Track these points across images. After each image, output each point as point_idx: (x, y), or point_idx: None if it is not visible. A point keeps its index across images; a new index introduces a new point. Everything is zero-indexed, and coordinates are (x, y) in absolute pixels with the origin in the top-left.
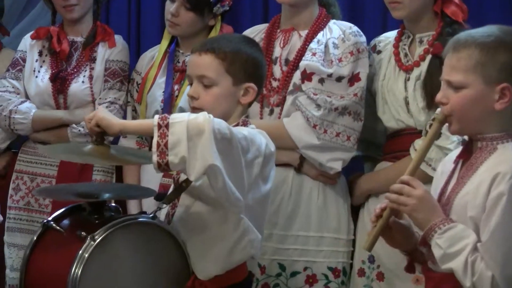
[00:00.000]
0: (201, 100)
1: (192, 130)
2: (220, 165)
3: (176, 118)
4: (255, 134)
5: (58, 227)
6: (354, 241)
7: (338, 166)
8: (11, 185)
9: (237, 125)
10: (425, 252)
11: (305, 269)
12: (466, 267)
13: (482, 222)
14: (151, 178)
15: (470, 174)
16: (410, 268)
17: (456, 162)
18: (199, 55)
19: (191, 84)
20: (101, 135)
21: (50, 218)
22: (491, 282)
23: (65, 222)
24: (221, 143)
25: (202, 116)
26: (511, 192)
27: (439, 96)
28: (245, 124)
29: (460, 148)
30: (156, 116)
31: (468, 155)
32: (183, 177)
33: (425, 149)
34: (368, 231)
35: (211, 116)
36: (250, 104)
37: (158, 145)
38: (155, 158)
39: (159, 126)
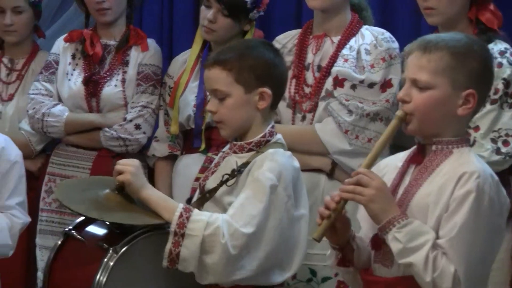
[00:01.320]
0: (219, 114)
1: (206, 247)
2: (233, 278)
3: (194, 229)
4: (274, 186)
5: (79, 236)
6: None
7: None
8: (44, 188)
9: (263, 136)
10: (372, 255)
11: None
12: (427, 262)
13: (444, 219)
14: (183, 181)
15: (426, 176)
16: (342, 262)
17: (406, 165)
18: (208, 69)
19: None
20: (122, 186)
21: (71, 227)
22: (453, 278)
23: (86, 230)
24: (243, 250)
25: (219, 231)
26: (478, 190)
27: (401, 94)
28: (271, 135)
29: (406, 152)
30: (179, 209)
31: (421, 159)
32: (208, 186)
33: (382, 143)
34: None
35: (228, 227)
36: (273, 107)
37: (170, 253)
38: (165, 263)
39: (175, 234)
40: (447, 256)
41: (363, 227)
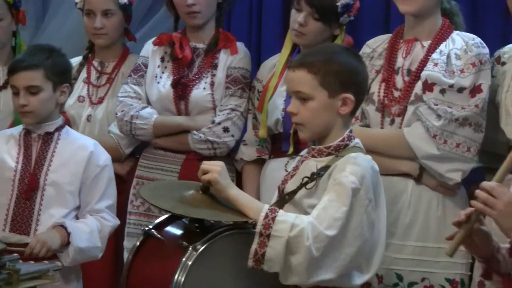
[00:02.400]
0: (300, 116)
1: (291, 248)
2: (315, 279)
3: (279, 230)
4: (356, 189)
5: (159, 235)
6: None
7: (457, 177)
8: (132, 191)
9: (342, 140)
10: (510, 262)
11: (423, 279)
12: None
13: None
14: (270, 185)
15: None
16: (487, 275)
17: None
18: (293, 71)
19: (290, 97)
20: (207, 187)
21: (151, 226)
22: None
23: (166, 229)
24: (325, 252)
25: (303, 232)
26: None
27: None
28: (350, 139)
29: None
30: (264, 210)
31: None
32: (287, 188)
33: None
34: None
35: (312, 229)
36: (353, 113)
37: (256, 253)
38: (250, 263)
39: (261, 234)
40: None
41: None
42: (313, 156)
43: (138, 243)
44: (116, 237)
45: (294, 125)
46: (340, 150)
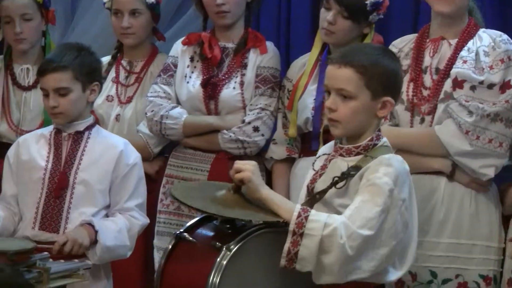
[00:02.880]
0: (338, 113)
1: (324, 247)
2: (349, 278)
3: (312, 229)
4: (391, 190)
5: (191, 238)
6: (504, 249)
7: (491, 172)
8: (161, 190)
9: (371, 140)
10: None
11: (457, 276)
12: None
13: None
14: (300, 184)
15: None
16: None
17: None
18: (338, 67)
19: (327, 92)
20: (239, 186)
21: (182, 229)
22: None
23: (198, 232)
24: (359, 251)
25: (337, 232)
26: None
27: None
28: (378, 138)
29: None
30: (297, 209)
31: None
32: (317, 188)
33: None
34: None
35: (345, 228)
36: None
37: (289, 251)
38: (283, 262)
39: (293, 233)
40: None
41: None
42: (341, 155)
43: (170, 247)
44: (146, 236)
45: (328, 121)
46: (369, 149)
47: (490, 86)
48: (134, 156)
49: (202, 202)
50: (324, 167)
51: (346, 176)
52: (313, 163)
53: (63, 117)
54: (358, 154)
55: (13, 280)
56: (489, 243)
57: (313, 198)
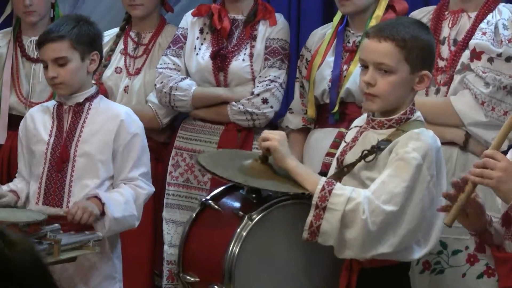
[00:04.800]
0: (377, 87)
1: (346, 221)
2: (371, 253)
3: (335, 203)
4: (419, 165)
5: (216, 206)
6: None
7: (504, 144)
8: (170, 162)
9: (404, 113)
10: (503, 232)
11: (467, 248)
12: None
13: None
14: (314, 155)
15: None
16: (480, 248)
17: None
18: (378, 41)
19: (364, 66)
20: (266, 156)
21: (208, 197)
22: None
23: (223, 200)
24: (382, 226)
25: (359, 206)
26: None
27: None
28: (412, 112)
29: None
30: (321, 182)
31: None
32: (346, 160)
33: (510, 124)
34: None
35: (369, 203)
36: None
37: (311, 225)
38: (305, 235)
39: (316, 206)
40: None
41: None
42: (372, 127)
43: (194, 214)
44: (155, 208)
45: (364, 96)
46: (401, 123)
47: (508, 59)
48: (135, 125)
49: (229, 171)
50: (355, 139)
51: (375, 149)
52: (345, 135)
53: (64, 88)
54: (390, 127)
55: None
56: (500, 214)
57: (342, 170)
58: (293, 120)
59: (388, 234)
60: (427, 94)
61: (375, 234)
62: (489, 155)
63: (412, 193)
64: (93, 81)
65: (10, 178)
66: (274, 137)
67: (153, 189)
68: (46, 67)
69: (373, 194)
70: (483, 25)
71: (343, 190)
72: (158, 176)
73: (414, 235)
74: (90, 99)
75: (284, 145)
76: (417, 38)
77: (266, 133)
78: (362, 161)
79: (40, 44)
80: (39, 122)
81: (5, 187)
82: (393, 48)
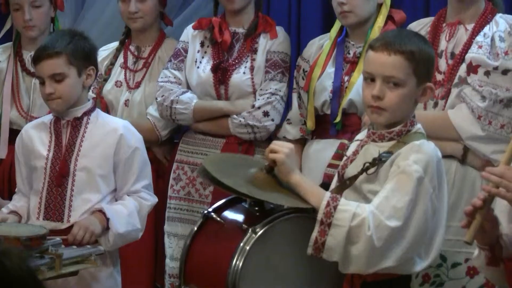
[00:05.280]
0: (386, 101)
1: (351, 237)
2: (375, 268)
3: (341, 219)
4: (421, 178)
5: (218, 218)
6: None
7: None
8: (172, 175)
9: (405, 125)
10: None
11: (466, 260)
12: None
13: None
14: (314, 166)
15: None
16: (493, 262)
17: None
18: (388, 55)
19: (370, 79)
20: (272, 167)
21: (210, 209)
22: None
23: (226, 213)
24: (387, 242)
25: (365, 222)
26: None
27: None
28: (412, 124)
29: None
30: (326, 198)
31: None
32: (347, 174)
33: None
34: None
35: (373, 218)
36: None
37: (316, 241)
38: (310, 251)
39: (321, 222)
40: None
41: (502, 222)
42: (373, 140)
43: (196, 227)
44: (156, 221)
45: (371, 109)
46: (402, 135)
47: (505, 72)
48: (135, 138)
49: (233, 179)
50: (356, 152)
51: (377, 162)
52: (346, 149)
53: (61, 103)
54: (391, 139)
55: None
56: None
57: (343, 184)
58: (291, 131)
59: (393, 249)
60: (425, 108)
61: (380, 250)
62: (503, 171)
63: (415, 206)
64: (93, 95)
65: (11, 192)
66: (282, 150)
67: (156, 199)
68: (42, 83)
69: (376, 209)
70: (479, 38)
71: (348, 206)
72: (158, 190)
73: (417, 247)
74: (87, 113)
75: (291, 159)
76: (423, 50)
77: (275, 144)
78: (364, 174)
79: (36, 60)
80: (36, 138)
81: (4, 210)
82: (403, 61)
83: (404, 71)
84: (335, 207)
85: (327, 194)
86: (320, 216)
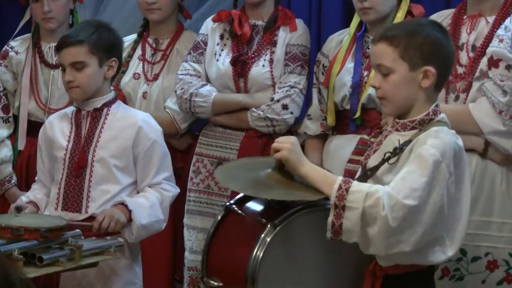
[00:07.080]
0: (382, 89)
1: (367, 219)
2: (393, 250)
3: (353, 201)
4: (437, 161)
5: (239, 211)
6: None
7: None
8: (191, 168)
9: (427, 114)
10: None
11: (486, 254)
12: None
13: None
14: (334, 162)
15: None
16: None
17: None
18: (375, 44)
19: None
20: (281, 164)
21: (232, 201)
22: None
23: (247, 205)
24: (402, 222)
25: (379, 202)
26: None
27: None
28: (435, 114)
29: None
30: (338, 182)
31: None
32: (370, 163)
33: None
34: None
35: (389, 198)
36: (438, 87)
37: (333, 224)
38: (329, 234)
39: (335, 206)
40: None
41: None
42: (396, 130)
43: (219, 218)
44: (175, 214)
45: (378, 100)
46: (424, 124)
47: None
48: (154, 130)
49: (241, 183)
50: (379, 143)
51: (398, 151)
52: (367, 141)
53: (79, 92)
54: (413, 128)
55: None
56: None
57: (365, 174)
58: (311, 126)
59: (408, 231)
60: (446, 101)
61: (395, 231)
62: None
63: (431, 190)
64: (112, 87)
65: (28, 184)
66: (284, 147)
67: (178, 190)
68: (64, 71)
69: (392, 189)
70: (500, 31)
71: (360, 187)
72: (178, 183)
73: (432, 233)
74: (108, 104)
75: (296, 152)
76: (413, 34)
77: (276, 143)
78: (386, 164)
79: (58, 48)
80: (58, 129)
81: (24, 198)
82: (387, 48)
83: (389, 57)
84: (347, 189)
85: (339, 178)
86: (333, 199)
